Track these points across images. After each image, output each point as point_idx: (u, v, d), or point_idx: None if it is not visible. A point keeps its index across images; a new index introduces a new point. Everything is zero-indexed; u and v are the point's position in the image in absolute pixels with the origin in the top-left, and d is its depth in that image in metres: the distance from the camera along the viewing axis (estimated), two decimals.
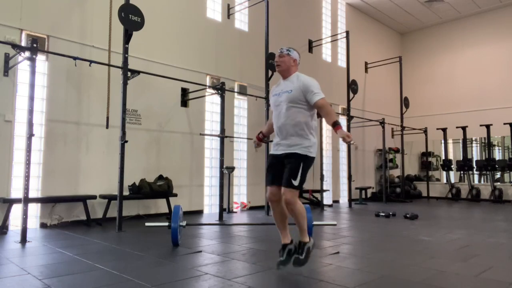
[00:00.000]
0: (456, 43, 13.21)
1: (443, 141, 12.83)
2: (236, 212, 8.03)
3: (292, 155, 3.11)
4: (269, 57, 7.91)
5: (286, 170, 3.09)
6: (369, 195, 11.91)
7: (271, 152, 3.29)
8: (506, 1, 11.97)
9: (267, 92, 7.89)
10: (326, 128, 10.77)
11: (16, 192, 5.47)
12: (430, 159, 13.31)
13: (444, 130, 12.50)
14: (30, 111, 4.64)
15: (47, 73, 5.95)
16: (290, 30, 10.05)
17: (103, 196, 6.16)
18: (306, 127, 3.16)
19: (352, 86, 10.25)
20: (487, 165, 11.35)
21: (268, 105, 7.55)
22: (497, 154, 12.60)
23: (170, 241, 4.31)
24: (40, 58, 5.75)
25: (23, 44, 5.60)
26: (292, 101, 3.16)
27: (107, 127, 6.18)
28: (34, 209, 5.72)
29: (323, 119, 3.30)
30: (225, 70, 8.44)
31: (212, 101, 8.20)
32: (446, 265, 3.47)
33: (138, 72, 5.82)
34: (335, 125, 3.01)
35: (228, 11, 8.65)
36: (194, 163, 7.74)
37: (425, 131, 12.88)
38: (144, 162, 6.97)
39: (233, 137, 8.24)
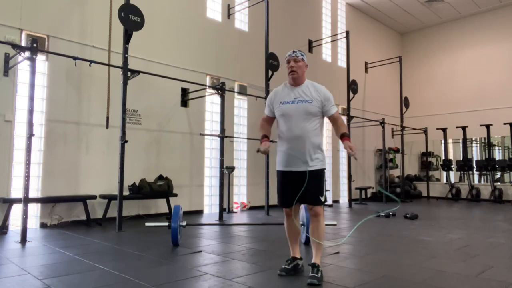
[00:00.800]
0: (456, 43, 13.21)
1: (443, 141, 12.82)
2: (236, 212, 8.03)
3: (315, 173, 3.03)
4: (269, 57, 7.91)
5: (310, 187, 3.00)
6: (369, 195, 11.91)
7: (287, 168, 3.09)
8: (506, 1, 11.97)
9: (267, 92, 7.87)
10: (326, 128, 10.78)
11: (16, 192, 5.46)
12: (430, 159, 13.31)
13: (444, 130, 12.50)
14: (30, 111, 4.64)
15: (47, 73, 5.95)
16: (290, 30, 10.05)
17: (103, 196, 6.16)
18: (321, 140, 3.15)
19: (352, 86, 10.25)
20: (487, 165, 11.35)
21: None
22: (497, 154, 12.59)
23: (170, 241, 4.31)
24: (40, 58, 5.75)
25: (23, 44, 5.59)
26: (311, 113, 3.05)
27: (107, 127, 6.18)
28: (34, 209, 5.72)
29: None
30: (225, 70, 8.43)
31: (212, 101, 8.20)
32: (446, 265, 3.47)
33: (138, 72, 5.82)
34: (344, 136, 3.07)
35: (228, 11, 8.65)
36: (194, 163, 7.74)
37: (425, 131, 12.88)
38: (144, 162, 6.97)
39: (233, 137, 8.24)
